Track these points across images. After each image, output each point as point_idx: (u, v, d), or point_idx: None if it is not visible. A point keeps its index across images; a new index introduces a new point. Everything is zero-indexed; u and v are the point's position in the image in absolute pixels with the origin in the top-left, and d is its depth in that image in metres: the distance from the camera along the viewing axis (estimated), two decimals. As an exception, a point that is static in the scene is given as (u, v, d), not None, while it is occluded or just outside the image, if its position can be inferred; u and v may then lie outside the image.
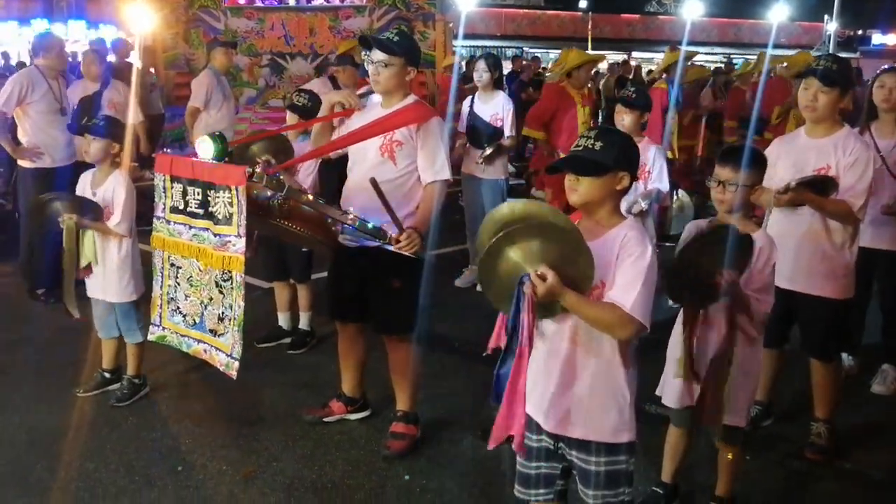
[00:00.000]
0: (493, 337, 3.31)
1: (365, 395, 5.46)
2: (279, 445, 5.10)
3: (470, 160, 8.28)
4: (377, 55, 4.69)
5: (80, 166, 6.74)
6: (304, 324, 6.82)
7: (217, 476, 4.77)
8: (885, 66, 5.82)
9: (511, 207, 3.04)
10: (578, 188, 3.14)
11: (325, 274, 5.35)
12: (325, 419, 5.35)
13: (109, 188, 5.43)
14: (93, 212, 5.37)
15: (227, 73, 9.93)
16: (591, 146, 3.12)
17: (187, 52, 13.95)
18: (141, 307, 5.57)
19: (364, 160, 4.78)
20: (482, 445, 5.05)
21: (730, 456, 4.22)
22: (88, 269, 5.46)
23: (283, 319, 6.89)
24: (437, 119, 4.84)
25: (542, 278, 2.86)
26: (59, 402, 5.63)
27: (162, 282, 4.53)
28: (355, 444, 5.13)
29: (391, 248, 4.50)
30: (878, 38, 40.45)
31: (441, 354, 6.49)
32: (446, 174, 4.77)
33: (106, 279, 5.51)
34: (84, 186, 5.57)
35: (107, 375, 5.79)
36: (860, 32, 41.52)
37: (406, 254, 4.50)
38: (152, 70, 14.01)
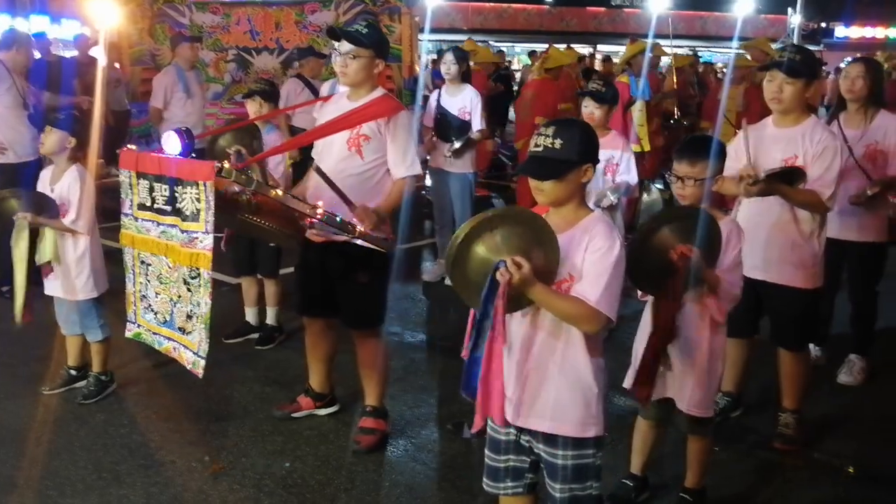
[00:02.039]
0: (466, 339, 3.22)
1: (333, 390, 5.44)
2: (248, 441, 5.07)
3: (438, 154, 8.24)
4: (345, 46, 4.66)
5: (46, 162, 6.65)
6: (271, 319, 6.77)
7: (186, 472, 4.73)
8: (849, 58, 5.87)
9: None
10: (544, 188, 3.13)
11: (293, 269, 5.32)
12: (294, 415, 5.33)
13: (65, 184, 5.36)
14: (50, 209, 5.30)
15: (193, 68, 9.85)
16: (550, 145, 3.09)
17: (153, 47, 13.79)
18: (104, 303, 5.53)
19: (330, 154, 4.75)
20: (452, 439, 5.09)
21: (698, 447, 4.24)
22: (49, 266, 5.39)
23: (250, 315, 6.85)
24: (406, 112, 4.84)
25: (518, 266, 2.86)
26: (27, 399, 5.57)
27: (134, 279, 4.48)
28: (324, 439, 5.11)
29: (359, 242, 4.49)
30: (841, 31, 40.75)
31: (410, 349, 6.48)
32: (417, 169, 4.78)
33: (64, 277, 5.43)
34: (44, 182, 5.50)
35: (73, 373, 5.72)
36: (824, 25, 41.82)
37: (371, 245, 4.49)
38: (117, 66, 13.89)
